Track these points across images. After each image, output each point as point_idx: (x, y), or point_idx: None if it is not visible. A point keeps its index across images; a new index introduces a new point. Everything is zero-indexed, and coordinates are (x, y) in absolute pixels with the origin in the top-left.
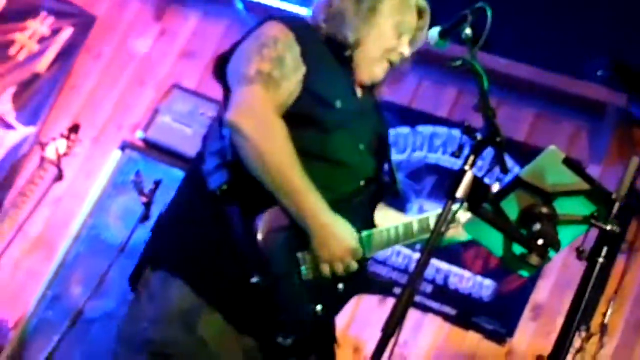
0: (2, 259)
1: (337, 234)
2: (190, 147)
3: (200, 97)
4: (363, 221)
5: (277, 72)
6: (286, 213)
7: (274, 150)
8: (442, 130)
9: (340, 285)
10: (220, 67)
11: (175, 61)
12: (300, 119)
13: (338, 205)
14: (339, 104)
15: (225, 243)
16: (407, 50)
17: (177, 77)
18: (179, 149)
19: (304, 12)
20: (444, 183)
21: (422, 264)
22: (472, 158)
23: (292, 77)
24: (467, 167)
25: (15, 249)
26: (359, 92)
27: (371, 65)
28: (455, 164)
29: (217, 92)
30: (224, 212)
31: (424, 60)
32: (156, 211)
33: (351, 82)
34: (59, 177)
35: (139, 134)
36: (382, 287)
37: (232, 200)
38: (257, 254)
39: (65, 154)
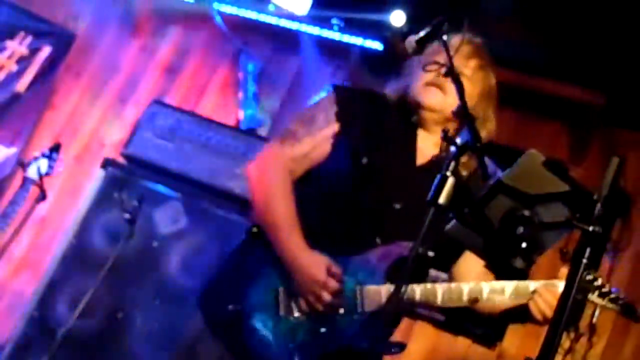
0: None
1: (305, 265)
2: (173, 162)
3: (181, 112)
4: (372, 275)
5: (303, 129)
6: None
7: (268, 193)
8: None
9: (323, 329)
10: None
11: (156, 76)
12: (325, 172)
13: (342, 253)
14: (364, 160)
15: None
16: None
17: (158, 93)
18: (161, 164)
19: (282, 23)
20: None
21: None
22: (452, 164)
23: (317, 134)
24: (448, 173)
25: (3, 272)
26: (423, 156)
27: (419, 95)
28: None
29: (199, 106)
30: (255, 251)
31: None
32: (140, 227)
33: (409, 144)
34: (42, 197)
35: (121, 151)
36: (394, 348)
37: (261, 240)
38: (240, 283)
39: (47, 174)
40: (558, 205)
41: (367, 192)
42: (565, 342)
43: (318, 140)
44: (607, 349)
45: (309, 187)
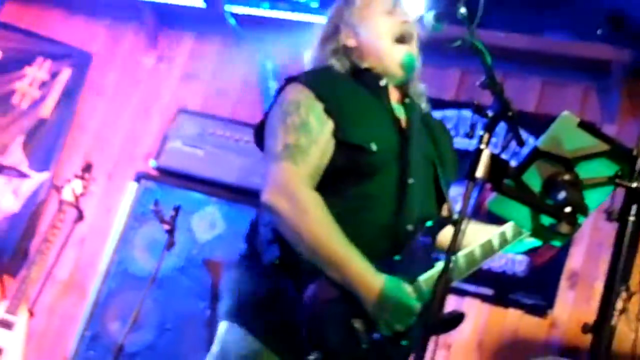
0: (35, 307)
1: (390, 298)
2: (204, 168)
3: (206, 117)
4: (422, 263)
5: (303, 139)
6: (333, 283)
7: (309, 224)
8: (451, 113)
9: (404, 342)
10: (260, 138)
11: (176, 85)
12: (339, 175)
13: (387, 259)
14: (374, 147)
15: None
16: (406, 16)
17: (180, 101)
18: (193, 171)
19: (296, 17)
20: (461, 166)
21: (452, 251)
22: (486, 136)
23: (319, 138)
24: (483, 146)
25: (47, 295)
26: (402, 115)
27: (390, 57)
28: (469, 144)
29: (222, 109)
30: (278, 286)
31: (422, 46)
32: (179, 237)
33: (389, 110)
34: (79, 217)
35: (152, 163)
36: (451, 322)
37: (284, 274)
38: (311, 327)
39: (82, 194)
40: (598, 165)
41: (384, 177)
42: (618, 303)
43: (322, 145)
44: None
45: (329, 196)
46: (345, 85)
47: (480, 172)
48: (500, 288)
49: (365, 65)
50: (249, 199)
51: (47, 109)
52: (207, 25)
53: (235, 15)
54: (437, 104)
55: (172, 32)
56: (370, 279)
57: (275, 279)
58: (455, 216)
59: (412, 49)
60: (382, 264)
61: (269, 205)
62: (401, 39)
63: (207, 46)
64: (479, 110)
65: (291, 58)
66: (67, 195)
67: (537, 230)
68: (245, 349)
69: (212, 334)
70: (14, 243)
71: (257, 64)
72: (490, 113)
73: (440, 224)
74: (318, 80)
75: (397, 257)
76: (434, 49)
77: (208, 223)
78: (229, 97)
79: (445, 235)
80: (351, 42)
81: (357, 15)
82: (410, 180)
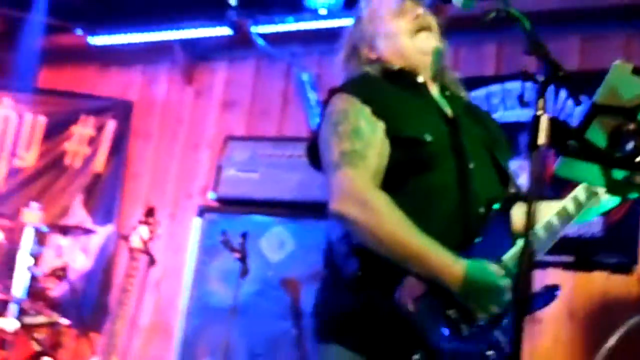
0: (127, 357)
1: (477, 281)
2: (262, 191)
3: (254, 140)
4: (503, 242)
5: (358, 144)
6: (419, 278)
7: (382, 224)
8: (495, 88)
9: (505, 321)
10: (313, 156)
11: (217, 115)
12: (399, 172)
13: (466, 244)
14: (428, 137)
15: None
16: (417, 9)
17: (225, 129)
18: (252, 195)
19: (322, 25)
20: (514, 140)
21: (530, 224)
22: (541, 101)
23: (373, 140)
24: (539, 112)
25: (134, 344)
26: (445, 106)
27: (413, 50)
28: (519, 116)
29: (267, 129)
30: (366, 297)
31: (455, 26)
32: (252, 263)
33: (433, 103)
34: (151, 262)
35: (211, 195)
36: (548, 296)
37: (369, 285)
38: (409, 329)
39: (150, 239)
40: None
41: (444, 167)
42: None
43: (378, 146)
44: None
45: (394, 195)
46: (385, 86)
47: (542, 138)
48: (581, 253)
49: (396, 67)
50: (312, 213)
51: (99, 163)
52: (238, 50)
53: (263, 35)
54: (480, 81)
55: (205, 64)
56: (451, 266)
57: (361, 291)
58: (523, 190)
59: (432, 35)
60: (463, 249)
61: (338, 215)
62: (423, 29)
63: (241, 72)
64: (528, 77)
65: (325, 66)
66: (136, 242)
67: (612, 186)
68: None
69: (303, 351)
70: (93, 299)
71: (293, 78)
72: (540, 78)
73: (510, 201)
74: (360, 86)
75: (477, 240)
76: (468, 28)
77: (277, 243)
78: (272, 116)
79: (517, 214)
80: (373, 56)
81: (369, 29)
82: (471, 165)
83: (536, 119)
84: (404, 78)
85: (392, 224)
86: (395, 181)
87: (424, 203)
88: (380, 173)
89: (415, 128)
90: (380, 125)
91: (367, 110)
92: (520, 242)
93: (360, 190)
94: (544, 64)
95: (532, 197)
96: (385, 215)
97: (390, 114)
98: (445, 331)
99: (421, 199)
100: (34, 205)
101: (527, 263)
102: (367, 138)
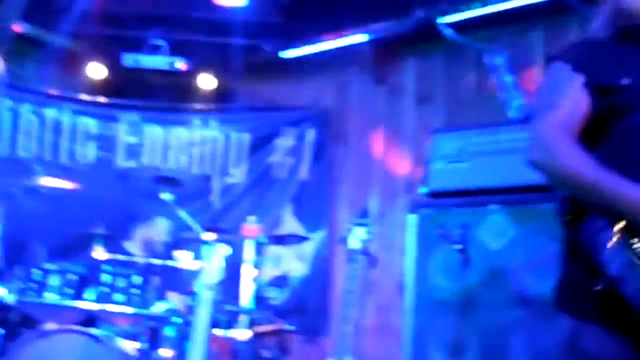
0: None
1: None
2: (474, 180)
3: (459, 131)
4: None
5: (553, 96)
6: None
7: (568, 166)
8: None
9: None
10: None
11: (413, 109)
12: (600, 121)
13: None
14: (625, 81)
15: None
16: None
17: (422, 123)
18: (465, 186)
19: (508, 5)
20: None
21: None
22: None
23: (567, 92)
24: None
25: (363, 344)
26: None
27: None
28: None
29: (467, 118)
30: (582, 242)
31: None
32: (472, 252)
33: None
34: (373, 262)
35: (423, 190)
36: None
37: (580, 226)
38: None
39: (368, 240)
40: None
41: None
42: None
43: (573, 96)
44: None
45: (598, 147)
46: (599, 46)
47: None
48: None
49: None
50: (528, 197)
51: (304, 172)
52: (425, 44)
53: (450, 25)
54: None
55: (394, 62)
56: None
57: (575, 237)
58: None
59: None
60: None
61: (532, 164)
62: None
63: (431, 64)
64: None
65: (518, 45)
66: (354, 244)
67: None
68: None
69: (534, 338)
70: (315, 304)
71: (485, 64)
72: None
73: None
74: (574, 50)
75: None
76: None
77: (495, 231)
78: (471, 104)
79: None
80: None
81: None
82: None
83: None
84: (622, 31)
85: (576, 164)
86: (599, 134)
87: (631, 148)
88: (575, 123)
89: (612, 74)
90: (578, 79)
91: (567, 67)
92: None
93: (546, 135)
94: None
95: None
96: (569, 157)
97: (590, 68)
98: None
99: (627, 144)
100: (252, 218)
101: None
102: (561, 90)
